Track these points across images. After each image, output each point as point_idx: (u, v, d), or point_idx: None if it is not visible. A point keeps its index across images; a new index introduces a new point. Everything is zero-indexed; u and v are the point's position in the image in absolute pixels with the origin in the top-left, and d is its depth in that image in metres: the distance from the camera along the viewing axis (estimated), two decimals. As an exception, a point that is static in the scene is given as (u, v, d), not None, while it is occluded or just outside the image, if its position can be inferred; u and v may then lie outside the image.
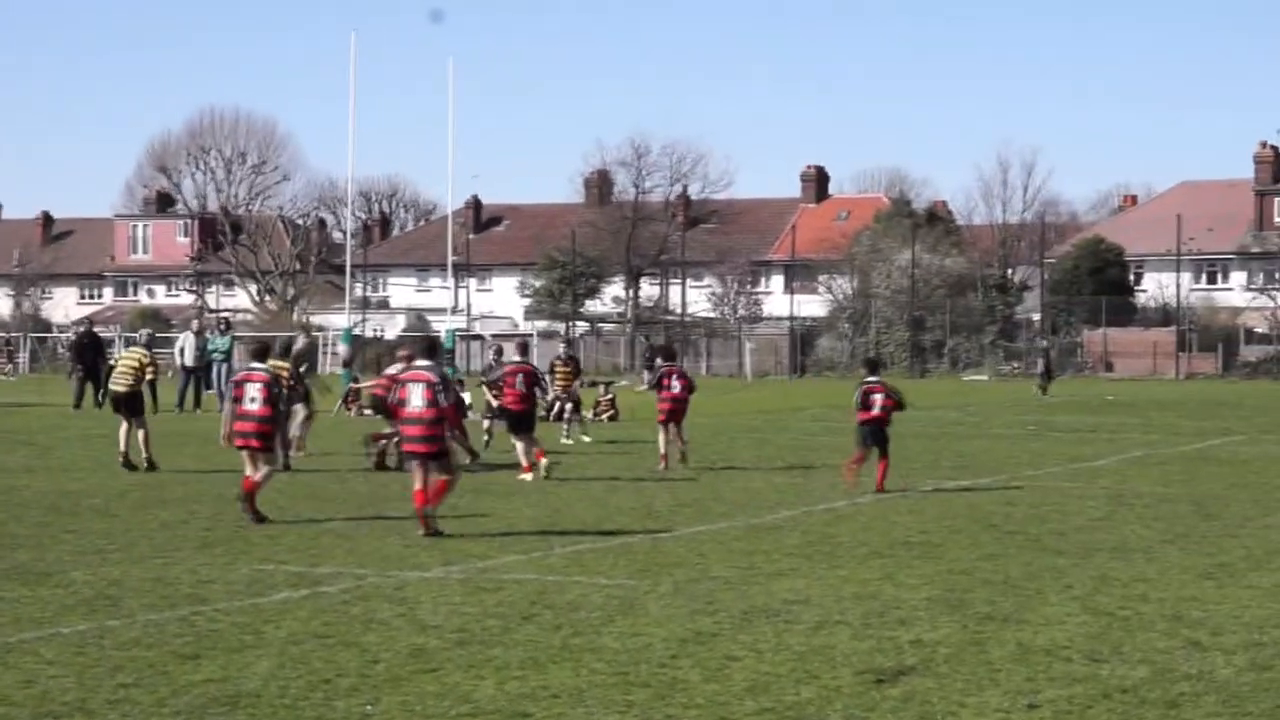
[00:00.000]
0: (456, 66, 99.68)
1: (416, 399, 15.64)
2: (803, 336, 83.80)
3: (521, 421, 21.91)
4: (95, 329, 44.55)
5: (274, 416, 16.89)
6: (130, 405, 22.16)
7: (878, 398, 20.45)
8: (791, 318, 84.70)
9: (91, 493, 19.41)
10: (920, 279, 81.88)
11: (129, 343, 40.42)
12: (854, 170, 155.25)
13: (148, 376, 22.74)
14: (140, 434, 22.13)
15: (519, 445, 21.65)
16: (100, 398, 38.78)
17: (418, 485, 15.70)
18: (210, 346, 38.91)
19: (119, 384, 22.32)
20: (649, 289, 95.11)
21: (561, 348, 33.32)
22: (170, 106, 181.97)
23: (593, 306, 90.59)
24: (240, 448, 16.76)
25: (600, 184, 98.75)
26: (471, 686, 9.27)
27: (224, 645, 10.33)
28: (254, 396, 16.61)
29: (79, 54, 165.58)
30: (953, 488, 21.23)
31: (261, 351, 17.88)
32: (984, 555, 14.77)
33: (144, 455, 22.19)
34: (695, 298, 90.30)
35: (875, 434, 20.40)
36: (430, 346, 17.34)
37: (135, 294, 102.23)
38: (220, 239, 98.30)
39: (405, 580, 13.10)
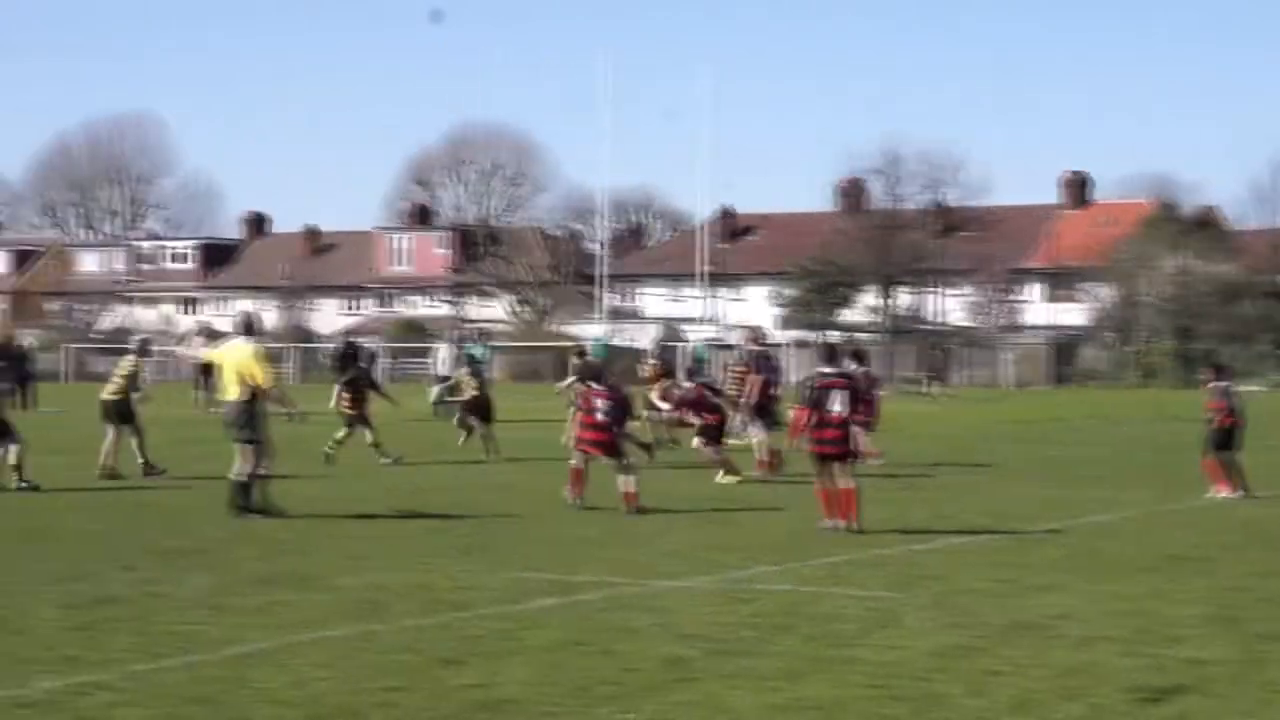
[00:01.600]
0: (708, 75, 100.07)
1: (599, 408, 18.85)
2: (1065, 346, 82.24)
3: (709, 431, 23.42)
4: (357, 340, 45.86)
5: (616, 427, 19.15)
6: (120, 413, 22.62)
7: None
8: (1053, 326, 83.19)
9: (353, 499, 19.90)
10: (1189, 286, 79.78)
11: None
12: (1115, 175, 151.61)
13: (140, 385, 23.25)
14: (134, 440, 22.79)
15: (755, 439, 23.88)
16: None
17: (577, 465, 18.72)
18: (469, 355, 39.70)
19: (109, 392, 22.75)
20: (904, 298, 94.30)
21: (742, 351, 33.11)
22: (429, 121, 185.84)
23: (847, 316, 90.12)
24: (584, 453, 18.96)
25: (853, 191, 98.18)
26: (729, 697, 9.29)
27: (484, 651, 10.52)
28: (601, 408, 18.96)
29: (343, 73, 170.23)
30: (1227, 501, 20.62)
31: (596, 372, 20.41)
32: (1260, 571, 14.33)
33: (140, 460, 22.78)
34: (952, 306, 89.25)
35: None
36: (596, 370, 20.88)
37: (395, 305, 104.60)
38: (477, 251, 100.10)
39: (660, 589, 13.19)
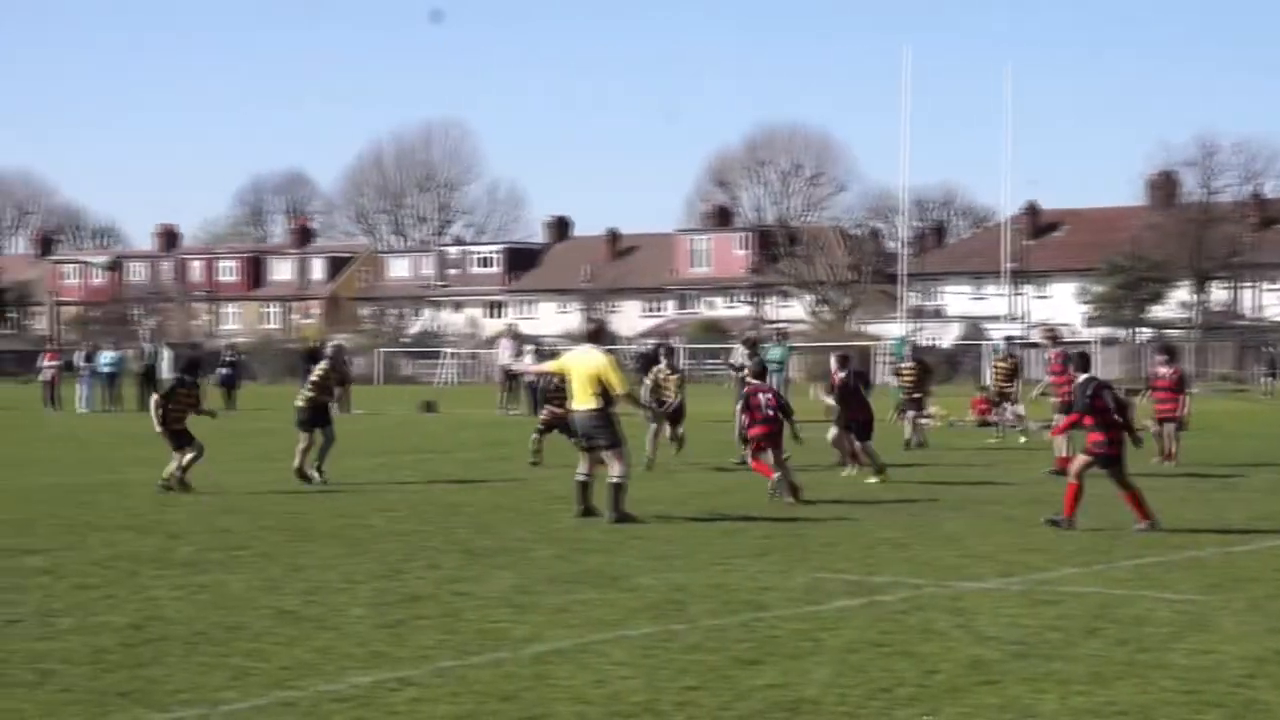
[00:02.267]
0: (1011, 70, 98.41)
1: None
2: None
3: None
4: (665, 341, 46.57)
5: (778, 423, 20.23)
6: (316, 418, 22.37)
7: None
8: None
9: (653, 500, 20.07)
10: None
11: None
12: None
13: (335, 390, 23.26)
14: (322, 443, 22.42)
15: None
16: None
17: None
18: (766, 357, 39.75)
19: (304, 398, 22.44)
20: (1218, 293, 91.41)
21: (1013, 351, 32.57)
22: (730, 122, 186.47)
23: (1157, 312, 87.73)
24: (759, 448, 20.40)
25: (1165, 184, 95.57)
26: (1033, 700, 9.12)
27: (783, 651, 10.51)
28: (763, 404, 20.27)
29: (644, 77, 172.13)
30: None
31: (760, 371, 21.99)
32: None
33: (317, 465, 22.38)
34: (1270, 301, 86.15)
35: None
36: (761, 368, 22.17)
37: (695, 306, 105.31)
38: (777, 251, 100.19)
39: (962, 591, 13.02)
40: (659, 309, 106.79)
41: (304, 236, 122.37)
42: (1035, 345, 79.77)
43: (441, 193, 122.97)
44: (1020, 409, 32.35)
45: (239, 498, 20.54)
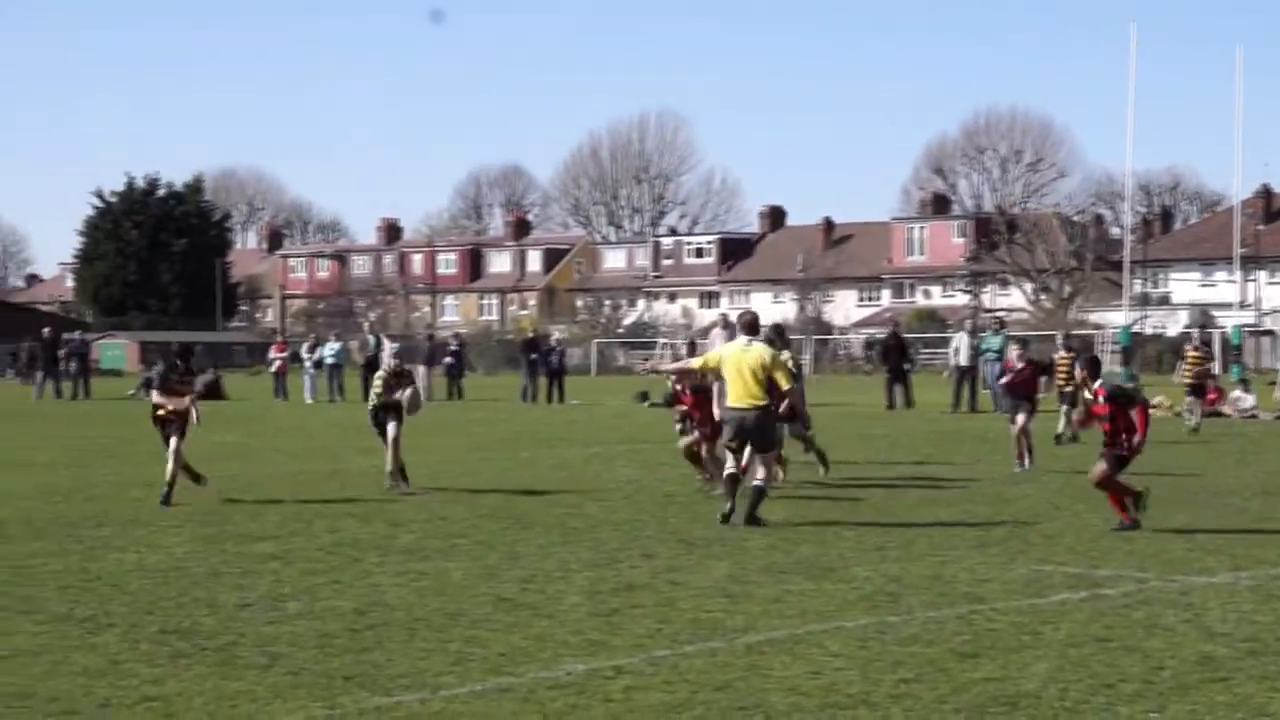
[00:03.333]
0: (1241, 52, 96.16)
1: None
2: None
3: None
4: (899, 331, 46.52)
5: None
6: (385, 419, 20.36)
7: None
8: None
9: (866, 488, 19.95)
10: None
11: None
12: None
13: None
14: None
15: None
16: (907, 398, 40.69)
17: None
18: (984, 346, 39.33)
19: (373, 398, 20.80)
20: None
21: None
22: (946, 109, 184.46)
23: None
24: None
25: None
26: (1266, 699, 8.88)
27: (1002, 645, 10.37)
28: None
29: (854, 66, 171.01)
30: None
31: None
32: None
33: (395, 465, 20.32)
34: None
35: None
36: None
37: (911, 295, 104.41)
38: (995, 238, 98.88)
39: (1190, 585, 12.72)
40: (874, 298, 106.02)
41: (521, 229, 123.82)
42: (1268, 333, 77.74)
43: (656, 184, 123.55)
44: (1248, 399, 31.53)
45: (458, 488, 20.83)
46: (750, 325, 17.29)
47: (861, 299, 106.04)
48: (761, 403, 16.52)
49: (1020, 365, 23.17)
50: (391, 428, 20.07)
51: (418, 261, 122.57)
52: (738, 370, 16.58)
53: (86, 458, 25.01)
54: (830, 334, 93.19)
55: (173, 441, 18.69)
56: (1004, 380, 23.99)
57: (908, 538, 15.58)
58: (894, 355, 42.33)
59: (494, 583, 12.96)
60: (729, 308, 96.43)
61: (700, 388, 19.06)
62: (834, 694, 9.07)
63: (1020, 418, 22.62)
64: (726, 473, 16.85)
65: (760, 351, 16.75)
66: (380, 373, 20.84)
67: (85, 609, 11.72)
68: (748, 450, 16.67)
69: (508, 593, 12.46)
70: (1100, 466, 16.06)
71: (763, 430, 16.62)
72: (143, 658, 10.03)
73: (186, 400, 18.99)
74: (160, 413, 18.96)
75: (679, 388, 19.77)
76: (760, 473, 16.64)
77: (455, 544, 15.31)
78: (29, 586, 12.74)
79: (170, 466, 18.60)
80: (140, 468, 23.98)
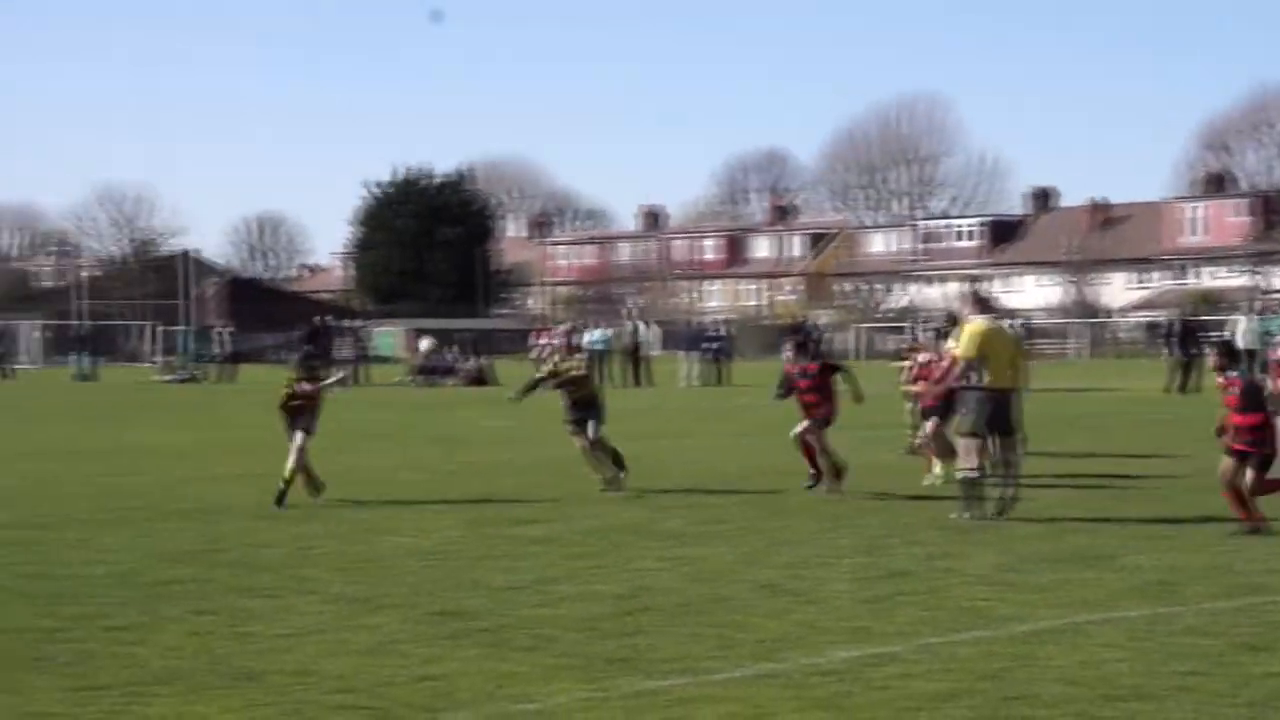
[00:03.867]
0: None
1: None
2: None
3: None
4: (1187, 315, 45.66)
5: None
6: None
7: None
8: None
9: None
10: None
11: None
12: None
13: None
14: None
15: None
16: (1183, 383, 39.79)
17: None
18: (1268, 328, 38.16)
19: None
20: None
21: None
22: (1224, 84, 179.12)
23: None
24: None
25: None
26: None
27: (1289, 638, 10.06)
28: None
29: (1125, 41, 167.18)
30: None
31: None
32: None
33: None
34: None
35: None
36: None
37: (1187, 276, 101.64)
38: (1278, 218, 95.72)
39: None
40: (1147, 281, 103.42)
41: (783, 214, 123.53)
42: None
43: (921, 166, 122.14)
44: None
45: (720, 473, 20.89)
46: (987, 303, 16.65)
47: (1134, 281, 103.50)
48: (1015, 385, 15.80)
49: None
50: (590, 428, 18.64)
51: (679, 247, 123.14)
52: (1006, 353, 15.84)
53: (356, 442, 25.65)
54: (1099, 317, 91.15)
55: (298, 436, 17.52)
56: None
57: (1186, 527, 15.19)
58: (1185, 339, 41.55)
59: (758, 568, 12.97)
60: (998, 291, 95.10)
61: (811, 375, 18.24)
62: (1110, 685, 8.88)
63: None
64: (969, 474, 15.60)
65: (1012, 332, 16.32)
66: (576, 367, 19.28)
67: (362, 590, 12.03)
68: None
69: (772, 578, 12.46)
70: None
71: (1016, 416, 15.90)
72: (418, 638, 10.26)
73: (314, 386, 17.80)
74: (292, 402, 17.68)
75: (796, 370, 18.48)
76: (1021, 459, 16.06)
77: (718, 529, 15.37)
78: (307, 567, 13.13)
79: (291, 463, 17.43)
80: (409, 451, 24.57)
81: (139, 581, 12.37)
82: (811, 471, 18.20)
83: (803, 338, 18.79)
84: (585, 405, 18.82)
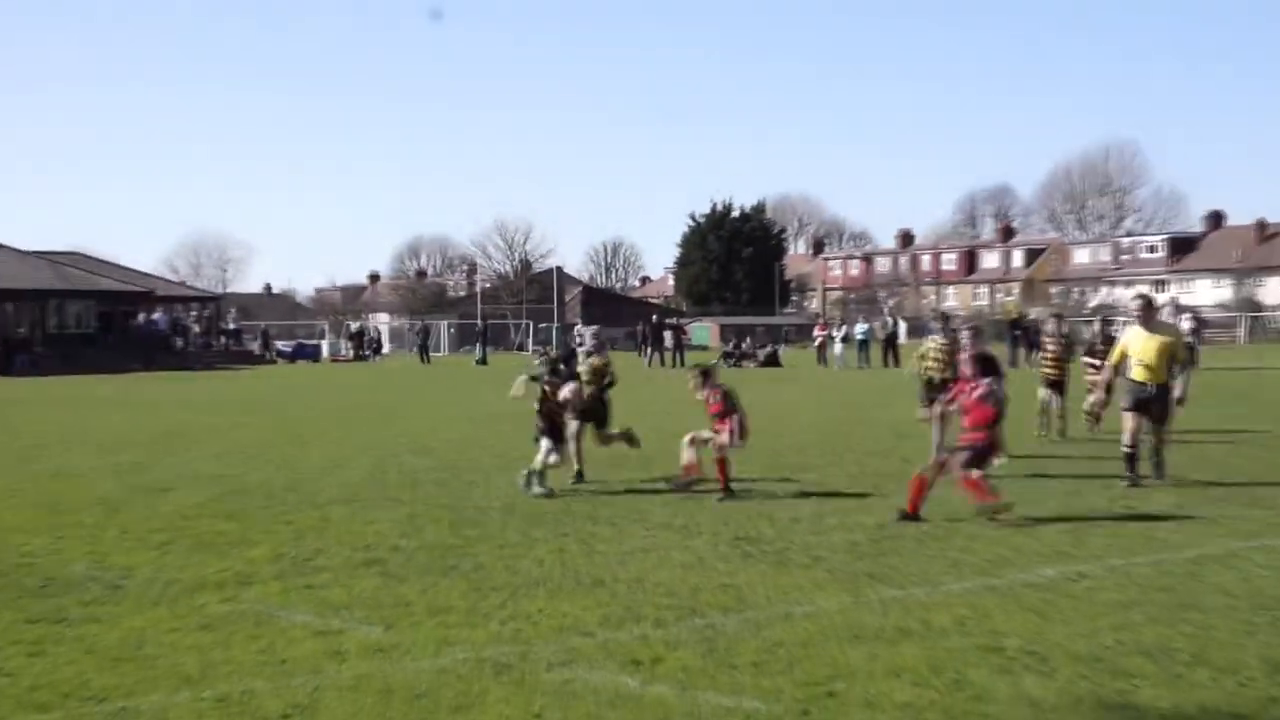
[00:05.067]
0: None
1: None
2: None
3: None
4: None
5: None
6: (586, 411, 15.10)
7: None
8: None
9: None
10: None
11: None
12: None
13: None
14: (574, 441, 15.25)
15: None
16: None
17: None
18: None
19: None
20: None
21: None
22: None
23: None
24: None
25: None
26: None
27: None
28: None
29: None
30: None
31: None
32: None
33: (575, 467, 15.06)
34: None
35: None
36: None
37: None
38: None
39: None
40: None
41: (1007, 234, 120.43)
42: None
43: (1116, 195, 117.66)
44: None
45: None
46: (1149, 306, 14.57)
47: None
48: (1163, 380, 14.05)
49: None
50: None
51: (926, 260, 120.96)
52: (1157, 350, 14.04)
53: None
54: (1261, 311, 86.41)
55: (573, 425, 14.59)
56: None
57: (1329, 476, 14.37)
58: None
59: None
60: (1177, 293, 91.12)
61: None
62: (1260, 597, 8.51)
63: None
64: (1123, 448, 14.07)
65: (1176, 331, 14.82)
66: (593, 365, 15.53)
67: (680, 520, 12.16)
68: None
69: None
70: None
71: (1167, 403, 14.19)
72: (721, 557, 10.34)
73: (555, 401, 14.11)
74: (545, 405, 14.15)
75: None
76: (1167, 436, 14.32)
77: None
78: (641, 503, 13.31)
79: (570, 448, 14.53)
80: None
81: (519, 511, 12.69)
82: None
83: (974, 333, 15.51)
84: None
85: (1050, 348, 20.04)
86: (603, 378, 15.47)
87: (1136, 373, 14.13)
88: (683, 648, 7.62)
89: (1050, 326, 20.94)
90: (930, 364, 16.76)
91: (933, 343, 16.89)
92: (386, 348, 76.45)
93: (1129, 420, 14.11)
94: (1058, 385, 19.53)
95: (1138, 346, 14.24)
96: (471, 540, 11.16)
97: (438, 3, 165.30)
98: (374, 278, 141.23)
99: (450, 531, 11.61)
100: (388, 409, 26.01)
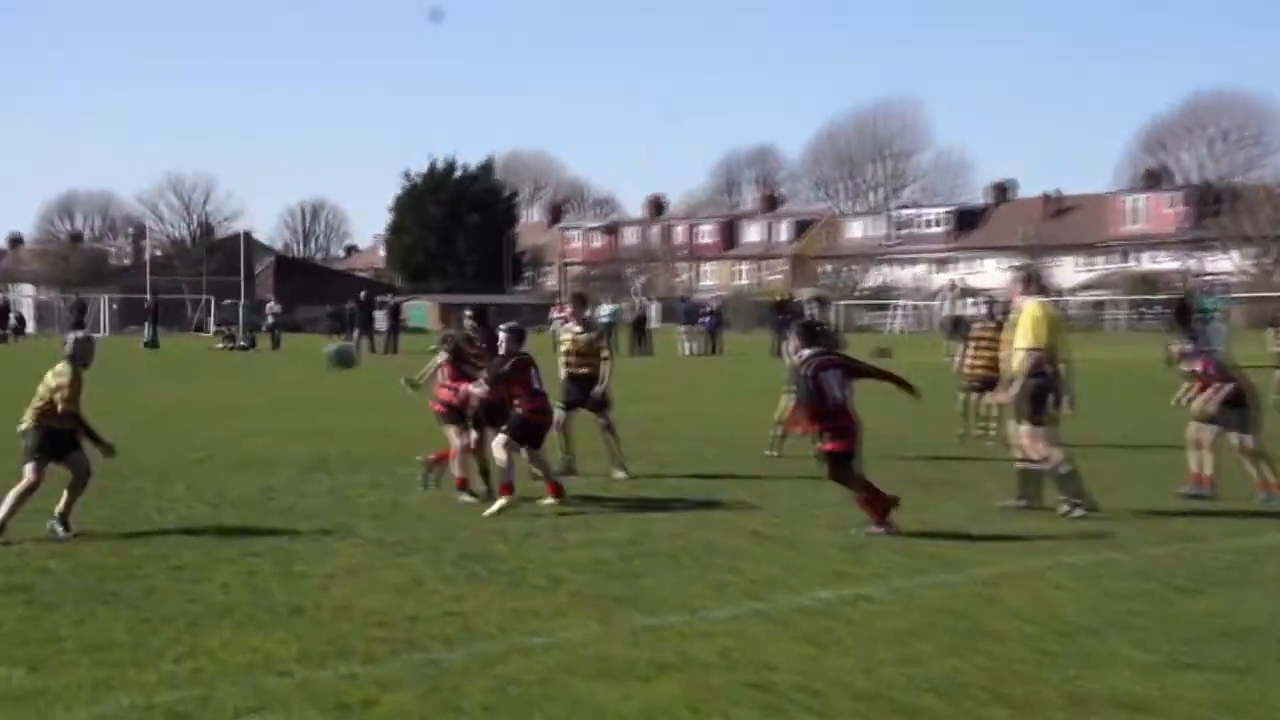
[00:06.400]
0: None
1: None
2: None
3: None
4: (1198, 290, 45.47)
5: None
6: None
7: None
8: None
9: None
10: None
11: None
12: None
13: None
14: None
15: None
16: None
17: None
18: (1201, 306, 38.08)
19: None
20: None
21: None
22: (1160, 89, 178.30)
23: None
24: None
25: None
26: None
27: (1220, 581, 10.02)
28: None
29: (1072, 46, 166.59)
30: None
31: None
32: None
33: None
34: None
35: None
36: None
37: (1127, 261, 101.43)
38: (1209, 209, 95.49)
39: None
40: (1093, 264, 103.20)
41: (771, 203, 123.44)
42: None
43: (893, 161, 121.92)
44: None
45: (722, 436, 20.81)
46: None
47: (1081, 265, 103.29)
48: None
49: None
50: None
51: (679, 232, 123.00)
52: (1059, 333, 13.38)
53: (393, 405, 25.55)
54: (1051, 296, 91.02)
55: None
56: None
57: (1129, 482, 15.12)
58: (1182, 314, 41.68)
59: (750, 518, 12.91)
60: (963, 273, 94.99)
61: None
62: (1058, 622, 8.85)
63: None
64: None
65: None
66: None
67: (395, 535, 11.98)
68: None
69: (762, 527, 12.40)
70: None
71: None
72: (444, 579, 10.21)
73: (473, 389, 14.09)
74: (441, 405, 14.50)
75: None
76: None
77: (714, 483, 15.29)
78: (347, 515, 13.07)
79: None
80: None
81: (198, 525, 12.32)
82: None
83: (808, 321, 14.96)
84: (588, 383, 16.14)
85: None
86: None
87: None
88: (399, 688, 7.47)
89: (812, 312, 19.37)
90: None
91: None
92: (31, 327, 73.42)
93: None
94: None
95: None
96: (139, 560, 10.75)
97: (438, 3, 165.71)
98: (15, 241, 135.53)
99: (112, 551, 11.16)
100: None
